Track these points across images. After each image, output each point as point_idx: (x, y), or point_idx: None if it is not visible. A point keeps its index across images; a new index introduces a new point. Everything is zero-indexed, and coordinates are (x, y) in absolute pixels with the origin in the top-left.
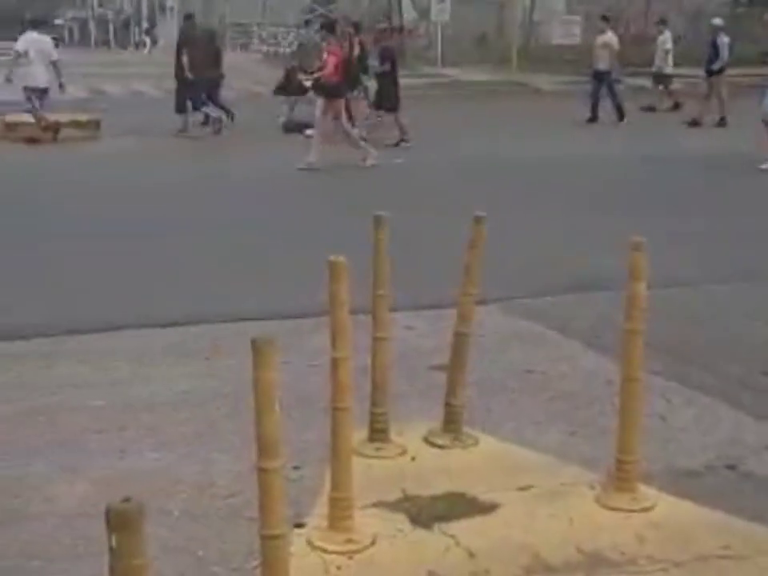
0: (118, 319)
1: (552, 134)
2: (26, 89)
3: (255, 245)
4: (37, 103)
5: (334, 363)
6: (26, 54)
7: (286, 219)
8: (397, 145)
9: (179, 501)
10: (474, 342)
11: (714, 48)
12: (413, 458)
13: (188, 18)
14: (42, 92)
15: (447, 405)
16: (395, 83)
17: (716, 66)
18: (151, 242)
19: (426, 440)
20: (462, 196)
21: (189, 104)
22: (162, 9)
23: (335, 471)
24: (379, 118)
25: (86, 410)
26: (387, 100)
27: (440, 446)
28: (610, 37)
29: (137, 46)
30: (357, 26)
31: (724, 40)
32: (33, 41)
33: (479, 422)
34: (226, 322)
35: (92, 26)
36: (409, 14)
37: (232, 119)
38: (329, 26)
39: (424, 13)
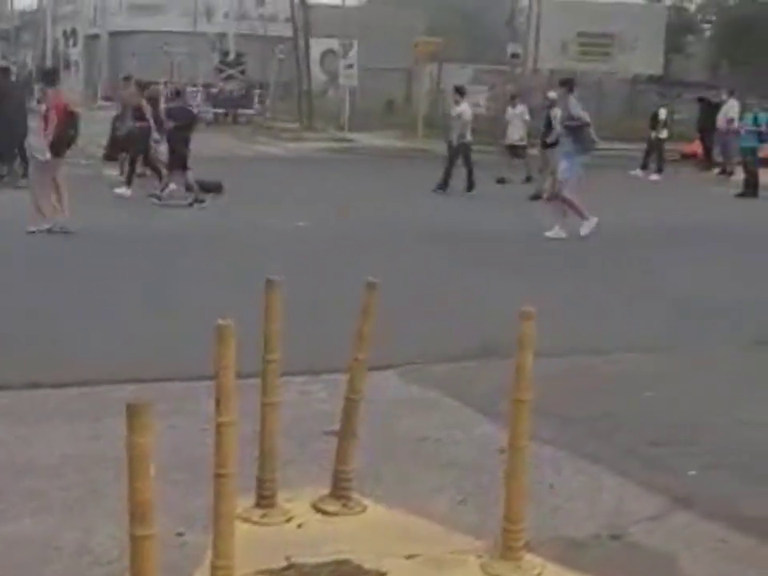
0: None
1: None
2: None
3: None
4: None
5: (219, 428)
6: None
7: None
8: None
9: (56, 568)
10: (368, 407)
11: (548, 120)
12: (299, 525)
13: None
14: None
15: (337, 471)
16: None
17: (550, 139)
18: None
19: (314, 506)
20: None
21: None
22: (67, 64)
23: (217, 538)
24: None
25: None
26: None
27: (328, 513)
28: (463, 108)
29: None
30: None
31: (557, 113)
32: None
33: (369, 488)
34: (116, 383)
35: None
36: (318, 78)
37: None
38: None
39: (333, 77)
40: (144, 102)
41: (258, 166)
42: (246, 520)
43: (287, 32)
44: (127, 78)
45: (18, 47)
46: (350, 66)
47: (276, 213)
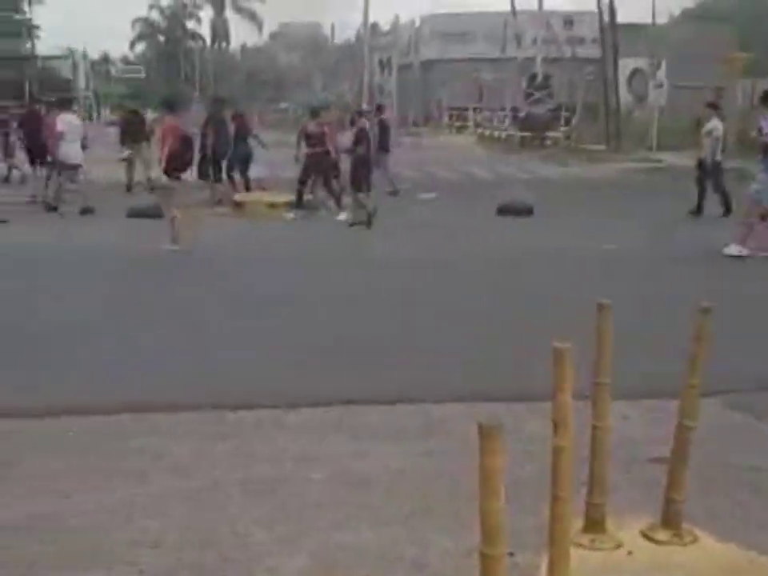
0: (335, 394)
1: None
2: None
3: (468, 324)
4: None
5: (556, 451)
6: None
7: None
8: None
9: None
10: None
11: None
12: (629, 552)
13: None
14: None
15: (667, 499)
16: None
17: None
18: (366, 315)
19: (644, 534)
20: (672, 285)
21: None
22: (381, 93)
23: (553, 561)
24: None
25: (305, 482)
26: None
27: (658, 542)
28: (714, 124)
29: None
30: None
31: None
32: None
33: (699, 519)
34: (441, 402)
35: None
36: (625, 98)
37: None
38: None
39: (640, 97)
40: (325, 128)
41: (564, 189)
42: (576, 544)
43: (595, 53)
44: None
45: (338, 78)
46: (660, 86)
47: (582, 235)
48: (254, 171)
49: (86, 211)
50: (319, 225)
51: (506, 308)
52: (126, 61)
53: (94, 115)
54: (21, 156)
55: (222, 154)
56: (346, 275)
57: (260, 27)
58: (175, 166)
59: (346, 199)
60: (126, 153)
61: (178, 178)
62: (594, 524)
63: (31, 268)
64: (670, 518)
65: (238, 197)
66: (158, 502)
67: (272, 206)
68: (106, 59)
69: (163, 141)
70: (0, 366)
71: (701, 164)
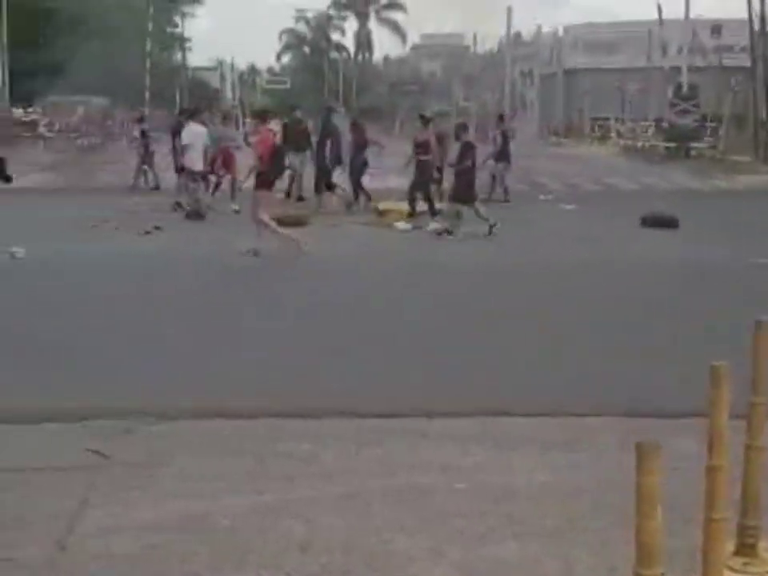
0: (478, 405)
1: None
2: None
3: (615, 337)
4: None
5: (711, 471)
6: None
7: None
8: None
9: None
10: None
11: None
12: None
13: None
14: None
15: None
16: None
17: None
18: (502, 327)
19: None
20: None
21: None
22: (523, 103)
23: None
24: None
25: (449, 492)
26: None
27: None
28: None
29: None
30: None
31: None
32: None
33: None
34: (585, 415)
35: (453, 120)
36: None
37: None
38: None
39: None
40: (433, 139)
41: (710, 200)
42: (728, 567)
43: (743, 62)
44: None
45: (480, 89)
46: None
47: (730, 248)
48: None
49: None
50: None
51: (654, 322)
52: (271, 72)
53: (240, 125)
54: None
55: (334, 163)
56: (490, 285)
57: (403, 38)
58: (267, 175)
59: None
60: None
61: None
62: (746, 547)
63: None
64: None
65: (381, 205)
66: (305, 507)
67: (410, 214)
68: (252, 70)
69: (256, 150)
70: (160, 369)
71: None
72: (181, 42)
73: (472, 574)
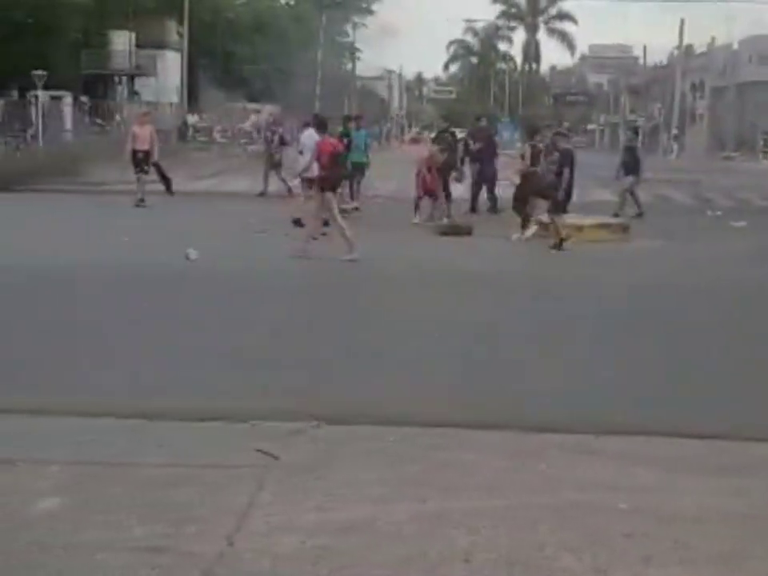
0: (639, 424)
1: None
2: None
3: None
4: None
5: None
6: None
7: None
8: None
9: None
10: None
11: None
12: None
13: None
14: None
15: None
16: None
17: None
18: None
19: None
20: None
21: None
22: (692, 116)
23: None
24: None
25: (613, 512)
26: None
27: None
28: None
29: (664, 151)
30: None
31: None
32: None
33: None
34: (758, 440)
35: (621, 131)
36: None
37: None
38: None
39: None
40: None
41: None
42: None
43: None
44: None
45: (648, 100)
46: None
47: None
48: None
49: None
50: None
51: None
52: (438, 81)
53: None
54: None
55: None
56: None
57: (571, 49)
58: (330, 182)
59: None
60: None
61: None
62: None
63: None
64: None
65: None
66: (468, 518)
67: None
68: (419, 79)
69: (318, 159)
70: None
71: None
72: (351, 51)
73: None
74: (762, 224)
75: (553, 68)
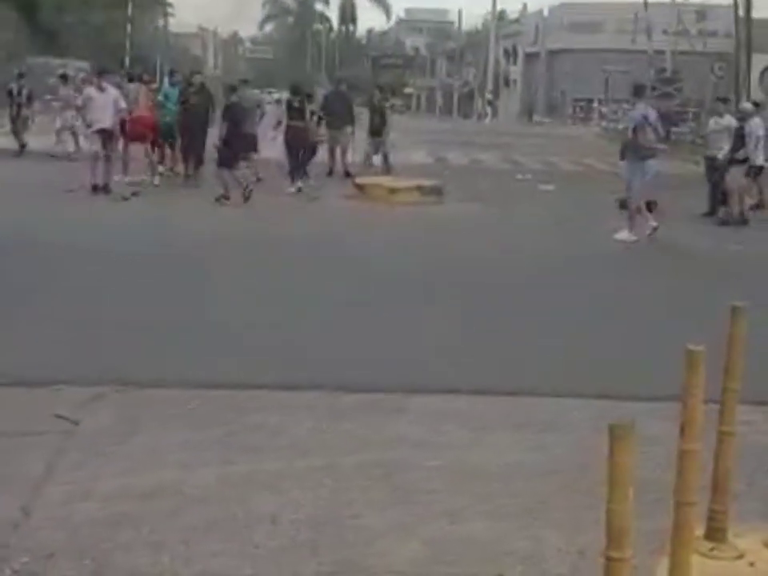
0: (454, 382)
1: None
2: None
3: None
4: None
5: (683, 455)
6: None
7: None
8: None
9: (513, 574)
10: None
11: None
12: (751, 563)
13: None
14: None
15: None
16: None
17: None
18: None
19: (767, 545)
20: None
21: None
22: (506, 82)
23: (674, 567)
24: None
25: (420, 469)
26: None
27: None
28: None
29: (479, 116)
30: None
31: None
32: None
33: None
34: (559, 396)
35: (438, 95)
36: (756, 95)
37: None
38: None
39: None
40: None
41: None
42: (696, 552)
43: (727, 47)
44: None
45: (463, 65)
46: None
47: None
48: None
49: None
50: None
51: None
52: (254, 41)
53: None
54: None
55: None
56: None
57: (387, 12)
58: None
59: None
60: None
61: None
62: (714, 532)
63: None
64: None
65: None
66: (275, 480)
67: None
68: (236, 38)
69: None
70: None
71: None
72: (163, 6)
73: (440, 551)
74: (567, 187)
75: (370, 31)
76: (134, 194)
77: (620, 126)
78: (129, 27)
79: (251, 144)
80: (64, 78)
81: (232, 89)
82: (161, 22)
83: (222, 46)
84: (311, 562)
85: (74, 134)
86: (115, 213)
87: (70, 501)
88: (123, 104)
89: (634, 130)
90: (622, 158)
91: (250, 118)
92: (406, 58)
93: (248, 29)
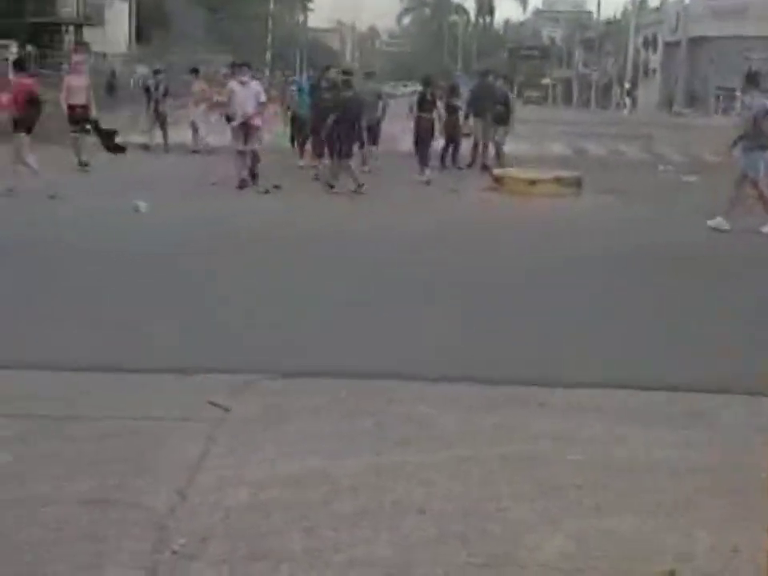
0: (591, 376)
1: None
2: None
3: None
4: None
5: None
6: None
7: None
8: None
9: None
10: None
11: None
12: None
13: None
14: None
15: None
16: None
17: None
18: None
19: None
20: None
21: None
22: (645, 71)
23: None
24: None
25: (565, 463)
26: None
27: None
28: None
29: (617, 106)
30: None
31: None
32: None
33: None
34: (710, 392)
35: (575, 86)
36: None
37: None
38: None
39: None
40: None
41: None
42: None
43: None
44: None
45: (601, 55)
46: None
47: None
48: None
49: None
50: None
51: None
52: (391, 34)
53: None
54: None
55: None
56: None
57: (524, 2)
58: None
59: None
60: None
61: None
62: None
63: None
64: None
65: None
66: (423, 470)
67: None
68: (373, 32)
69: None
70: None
71: None
72: (302, 2)
73: (587, 545)
74: (711, 178)
75: (507, 21)
76: (276, 186)
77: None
78: (270, 22)
79: (372, 136)
80: (196, 72)
81: (346, 83)
82: (300, 18)
83: (359, 40)
84: (461, 554)
85: (196, 129)
86: (260, 204)
87: (222, 486)
88: (264, 97)
89: (755, 119)
90: (735, 146)
91: (370, 111)
92: (543, 48)
93: (386, 22)
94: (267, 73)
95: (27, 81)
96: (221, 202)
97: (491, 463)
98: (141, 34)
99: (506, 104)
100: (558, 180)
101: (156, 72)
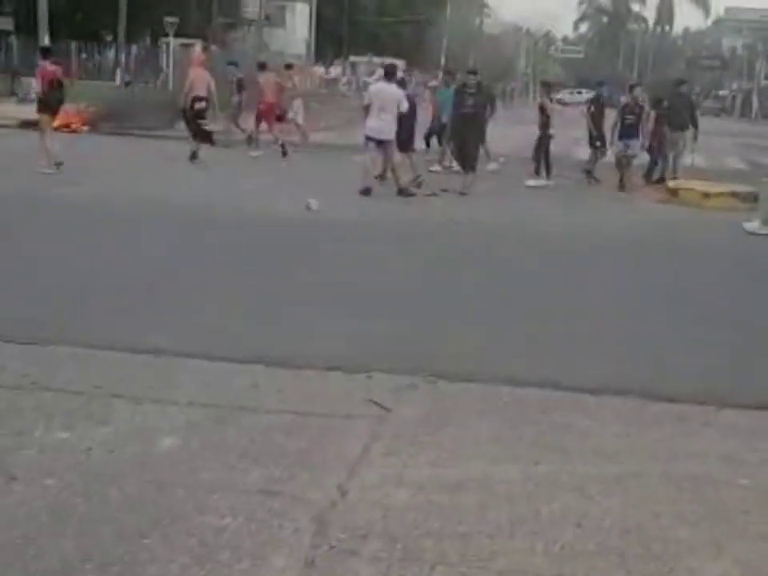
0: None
1: None
2: None
3: None
4: None
5: None
6: None
7: None
8: None
9: None
10: None
11: None
12: None
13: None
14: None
15: None
16: None
17: None
18: None
19: None
20: None
21: None
22: None
23: None
24: None
25: (731, 486)
26: None
27: None
28: None
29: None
30: None
31: None
32: None
33: None
34: None
35: (755, 97)
36: None
37: None
38: None
39: None
40: None
41: None
42: None
43: None
44: None
45: None
46: None
47: None
48: None
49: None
50: None
51: None
52: (566, 41)
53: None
54: None
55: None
56: None
57: (707, 11)
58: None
59: None
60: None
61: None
62: None
63: None
64: None
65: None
66: (582, 482)
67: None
68: (548, 38)
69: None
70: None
71: None
72: (480, 7)
73: (753, 572)
74: None
75: (686, 30)
76: (444, 190)
77: None
78: (446, 27)
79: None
80: (262, 66)
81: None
82: (477, 21)
83: (533, 45)
84: (620, 570)
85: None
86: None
87: (383, 485)
88: (405, 106)
89: None
90: None
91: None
92: (723, 59)
93: (561, 28)
94: (440, 76)
95: (52, 67)
96: (388, 204)
97: (653, 480)
98: (319, 36)
99: (694, 116)
100: (733, 194)
101: (229, 63)
